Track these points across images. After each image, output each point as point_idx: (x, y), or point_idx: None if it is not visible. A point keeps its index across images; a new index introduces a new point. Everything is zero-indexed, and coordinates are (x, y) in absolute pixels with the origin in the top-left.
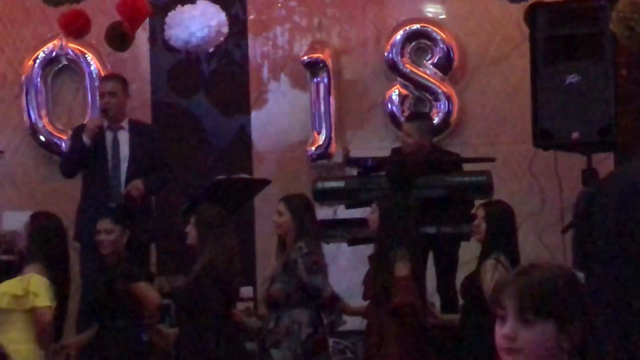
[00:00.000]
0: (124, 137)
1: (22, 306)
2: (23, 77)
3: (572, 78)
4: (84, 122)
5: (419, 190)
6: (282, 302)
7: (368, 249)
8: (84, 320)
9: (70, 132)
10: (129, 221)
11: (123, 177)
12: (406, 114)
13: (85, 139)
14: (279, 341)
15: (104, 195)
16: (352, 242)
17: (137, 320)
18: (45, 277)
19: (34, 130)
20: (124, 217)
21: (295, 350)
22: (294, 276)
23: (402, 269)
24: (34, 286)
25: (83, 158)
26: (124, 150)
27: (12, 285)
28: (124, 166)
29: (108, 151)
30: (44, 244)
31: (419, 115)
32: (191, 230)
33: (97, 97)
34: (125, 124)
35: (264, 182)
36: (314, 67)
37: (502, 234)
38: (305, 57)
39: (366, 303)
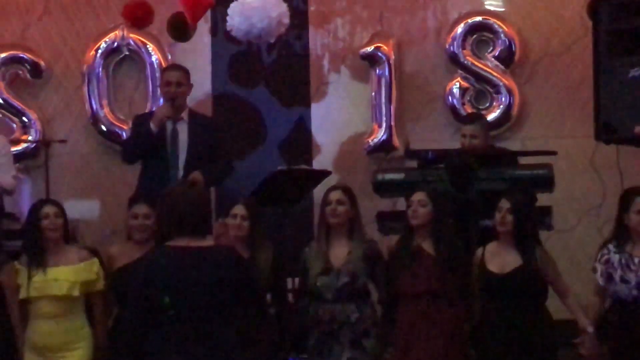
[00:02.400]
0: (183, 128)
1: (95, 289)
2: (85, 67)
3: (635, 71)
4: (146, 111)
5: (479, 184)
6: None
7: None
8: None
9: (130, 122)
10: None
11: (181, 169)
12: (466, 107)
13: (153, 126)
14: (368, 330)
15: (162, 186)
16: None
17: None
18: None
19: (95, 120)
20: None
21: None
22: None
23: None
24: (100, 270)
25: (148, 144)
26: (183, 141)
27: (78, 273)
28: (182, 157)
29: (167, 141)
30: None
31: (477, 115)
32: (242, 222)
33: (158, 87)
34: (185, 115)
35: (325, 173)
36: (375, 59)
37: (529, 224)
38: (367, 49)
39: None
